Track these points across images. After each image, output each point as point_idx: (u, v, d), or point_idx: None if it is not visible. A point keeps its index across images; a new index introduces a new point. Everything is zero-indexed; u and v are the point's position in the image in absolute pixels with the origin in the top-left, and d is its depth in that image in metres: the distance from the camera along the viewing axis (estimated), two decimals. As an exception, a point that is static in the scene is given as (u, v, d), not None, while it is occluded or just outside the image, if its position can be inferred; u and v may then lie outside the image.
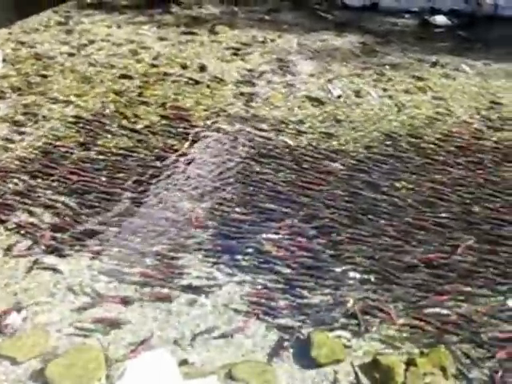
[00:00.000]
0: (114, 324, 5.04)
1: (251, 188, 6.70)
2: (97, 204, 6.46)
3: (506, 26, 12.12)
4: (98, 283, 5.47)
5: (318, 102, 8.67)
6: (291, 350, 4.88)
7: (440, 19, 12.27)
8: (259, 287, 5.44)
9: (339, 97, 8.82)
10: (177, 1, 12.60)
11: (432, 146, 7.65)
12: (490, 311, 5.27)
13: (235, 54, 10.11)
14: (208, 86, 8.95)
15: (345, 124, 8.12)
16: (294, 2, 12.86)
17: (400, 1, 12.73)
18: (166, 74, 9.35)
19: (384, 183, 6.88)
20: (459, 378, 4.67)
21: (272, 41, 10.73)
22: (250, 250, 5.84)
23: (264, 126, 7.94)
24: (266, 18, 12.02)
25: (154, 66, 9.63)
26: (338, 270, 5.65)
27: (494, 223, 6.30)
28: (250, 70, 9.51)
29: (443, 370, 4.67)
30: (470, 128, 8.11)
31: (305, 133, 7.84)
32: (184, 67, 9.57)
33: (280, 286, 5.46)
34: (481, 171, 7.15)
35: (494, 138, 7.89)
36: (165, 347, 4.80)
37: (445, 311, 5.27)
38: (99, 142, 7.55)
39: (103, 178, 6.87)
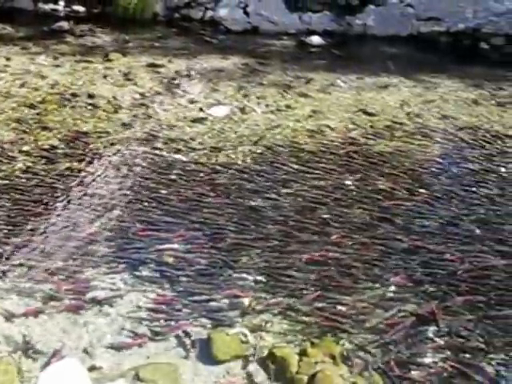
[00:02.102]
0: (25, 337, 4.97)
1: (148, 204, 6.71)
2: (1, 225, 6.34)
3: (374, 43, 12.61)
4: (7, 301, 5.37)
5: (206, 120, 8.77)
6: (194, 350, 4.94)
7: (315, 39, 12.59)
8: (161, 295, 5.48)
9: (226, 115, 8.94)
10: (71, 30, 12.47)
11: (311, 155, 7.88)
12: (373, 301, 5.51)
13: (128, 79, 10.09)
14: (104, 110, 8.90)
15: (232, 139, 8.25)
16: (181, 29, 12.93)
17: (278, 24, 13.00)
18: (63, 100, 9.22)
19: (269, 191, 7.04)
20: (348, 364, 4.84)
21: (162, 66, 10.74)
22: (150, 261, 5.86)
23: (158, 145, 7.98)
24: (156, 44, 12.02)
25: (51, 93, 9.48)
26: (232, 273, 5.75)
27: (369, 223, 6.57)
28: (142, 94, 9.52)
29: (333, 357, 4.83)
30: (345, 137, 8.41)
31: (196, 149, 7.93)
32: (81, 93, 9.47)
33: (180, 292, 5.51)
34: (356, 176, 7.43)
35: (367, 146, 8.21)
36: (75, 356, 4.77)
37: (332, 304, 5.45)
38: (3, 168, 7.40)
39: (6, 200, 6.74)
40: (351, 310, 5.39)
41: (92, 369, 4.69)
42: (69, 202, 6.74)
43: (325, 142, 8.28)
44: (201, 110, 9.11)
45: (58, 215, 6.51)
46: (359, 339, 5.10)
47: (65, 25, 12.60)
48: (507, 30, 12.53)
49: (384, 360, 4.91)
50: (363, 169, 7.62)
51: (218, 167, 7.51)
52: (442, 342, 5.12)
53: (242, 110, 9.11)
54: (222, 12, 13.10)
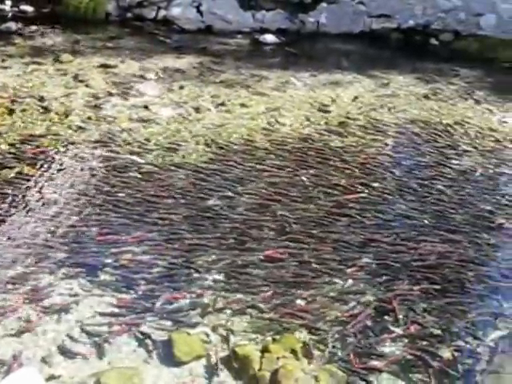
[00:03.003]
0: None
1: (104, 207, 6.64)
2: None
3: (327, 41, 12.71)
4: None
5: (162, 120, 8.73)
6: (156, 352, 4.92)
7: (269, 38, 12.65)
8: (121, 298, 5.44)
9: (180, 114, 8.93)
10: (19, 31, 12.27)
11: (266, 153, 7.93)
12: (331, 295, 5.57)
13: (80, 81, 9.95)
14: (56, 113, 8.75)
15: (188, 139, 8.23)
16: (134, 29, 12.83)
17: (232, 23, 13.00)
18: (14, 103, 9.07)
19: (225, 190, 7.04)
20: (309, 358, 4.89)
21: (115, 66, 10.63)
22: (107, 265, 5.81)
23: (113, 147, 7.90)
24: (109, 44, 11.87)
25: (1, 97, 9.32)
26: (191, 273, 5.74)
27: (325, 218, 6.63)
28: (95, 95, 9.42)
29: (294, 352, 4.87)
30: (300, 134, 8.48)
31: (151, 150, 7.88)
32: (31, 96, 9.31)
33: (139, 295, 5.48)
34: (311, 172, 7.49)
35: (322, 142, 8.29)
36: (33, 365, 4.69)
37: (291, 299, 5.49)
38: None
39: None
40: (310, 304, 5.45)
41: (51, 378, 4.61)
42: (21, 207, 6.62)
43: (279, 139, 8.32)
44: (155, 110, 9.05)
45: (11, 221, 6.40)
46: (319, 333, 5.15)
47: (12, 25, 12.31)
48: (455, 26, 12.76)
49: (345, 352, 4.97)
50: (318, 165, 7.69)
51: (174, 167, 7.47)
52: (400, 331, 5.20)
53: (197, 110, 9.09)
54: (176, 11, 13.03)
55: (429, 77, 10.98)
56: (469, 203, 7.05)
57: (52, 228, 6.30)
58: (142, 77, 10.30)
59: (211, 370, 4.78)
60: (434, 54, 12.30)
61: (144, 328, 5.13)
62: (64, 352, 4.88)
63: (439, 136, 8.68)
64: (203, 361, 4.87)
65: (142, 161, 7.63)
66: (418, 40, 12.94)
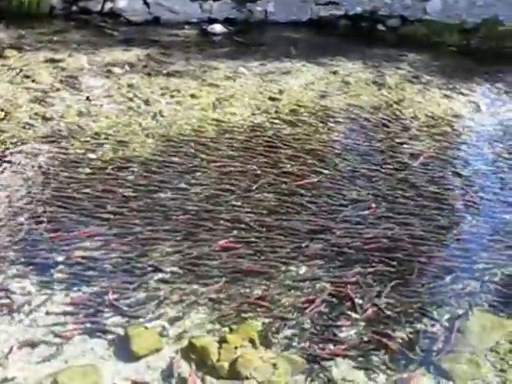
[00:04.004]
0: None
1: (55, 203, 6.54)
2: None
3: (275, 29, 12.74)
4: None
5: (112, 114, 8.65)
6: (113, 348, 4.88)
7: (217, 28, 12.60)
8: (75, 295, 5.37)
9: (130, 107, 8.86)
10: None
11: (218, 143, 7.91)
12: (287, 282, 5.59)
13: (26, 76, 9.77)
14: (2, 110, 8.58)
15: (139, 132, 8.17)
16: (80, 22, 12.66)
17: (179, 13, 12.93)
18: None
19: (177, 182, 7.02)
20: (268, 346, 4.89)
21: (62, 61, 10.47)
22: (60, 262, 5.73)
23: (63, 143, 7.80)
24: (54, 38, 11.65)
25: None
26: (146, 267, 5.70)
27: (278, 206, 6.66)
28: (42, 91, 9.26)
29: (252, 341, 4.87)
30: (251, 123, 8.50)
31: (102, 144, 7.80)
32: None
33: (93, 291, 5.42)
34: (262, 161, 7.50)
35: (273, 131, 8.32)
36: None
37: (248, 289, 5.50)
38: None
39: None
40: (266, 292, 5.45)
41: (4, 381, 4.52)
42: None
43: (231, 129, 8.31)
44: (103, 104, 8.96)
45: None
46: (276, 321, 5.15)
47: (-48, 22, 12.07)
48: (401, 11, 12.88)
49: (302, 338, 4.99)
50: (269, 153, 7.69)
51: (125, 161, 7.41)
52: (356, 315, 5.24)
53: (146, 102, 9.02)
54: (122, 3, 12.89)
55: (377, 63, 11.07)
56: (420, 186, 7.13)
57: (2, 227, 6.18)
58: (89, 70, 10.18)
59: (169, 363, 4.75)
60: (382, 40, 12.42)
61: (100, 325, 5.08)
62: (17, 353, 4.78)
63: (389, 121, 8.77)
64: (161, 354, 4.83)
65: (93, 156, 7.55)
66: (366, 26, 13.03)
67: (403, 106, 9.32)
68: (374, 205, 6.72)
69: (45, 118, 8.46)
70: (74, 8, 12.99)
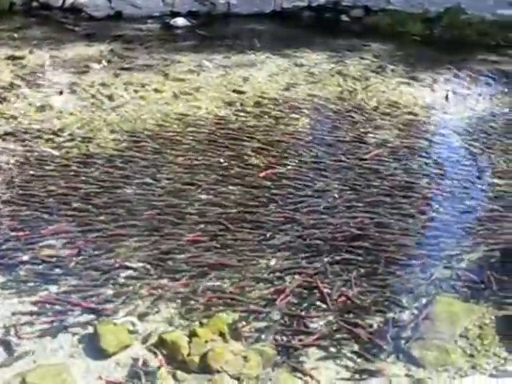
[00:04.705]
0: None
1: (22, 202, 6.45)
2: None
3: (239, 22, 12.72)
4: None
5: (75, 110, 8.58)
6: (82, 346, 4.83)
7: (180, 21, 12.56)
8: (42, 294, 5.31)
9: (93, 103, 8.77)
10: None
11: (183, 137, 7.88)
12: (256, 275, 5.58)
13: (-14, 74, 9.68)
14: (-39, 108, 8.51)
15: (103, 128, 8.10)
16: (41, 18, 12.53)
17: (141, 8, 12.85)
18: None
19: (143, 177, 6.98)
20: (238, 339, 4.88)
21: (23, 57, 10.34)
22: (26, 261, 5.67)
23: (25, 140, 7.71)
24: (15, 35, 11.53)
25: None
26: (113, 263, 5.65)
27: (244, 198, 6.65)
28: (3, 88, 9.14)
29: (222, 335, 4.85)
30: (215, 116, 8.49)
31: (66, 141, 7.73)
32: None
33: (61, 289, 5.37)
34: (228, 154, 7.50)
35: (238, 123, 8.32)
36: None
37: (217, 282, 5.49)
38: None
39: None
40: (236, 285, 5.45)
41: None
42: None
43: (195, 123, 8.29)
44: (67, 100, 8.88)
45: None
46: (246, 313, 5.15)
47: None
48: (365, 1, 12.96)
49: (273, 330, 4.98)
50: (235, 146, 7.69)
51: (89, 157, 7.36)
52: (326, 306, 5.24)
53: (110, 98, 8.96)
54: (83, -2, 12.79)
55: (341, 53, 11.12)
56: (386, 175, 7.17)
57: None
58: (51, 67, 10.08)
59: (139, 360, 4.71)
60: (346, 31, 12.48)
61: (68, 323, 5.03)
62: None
63: (354, 111, 8.81)
64: (131, 350, 4.80)
65: (56, 153, 7.47)
66: (330, 17, 13.08)
67: (368, 96, 9.37)
68: (337, 195, 6.75)
69: (7, 116, 8.35)
70: (35, 4, 12.87)
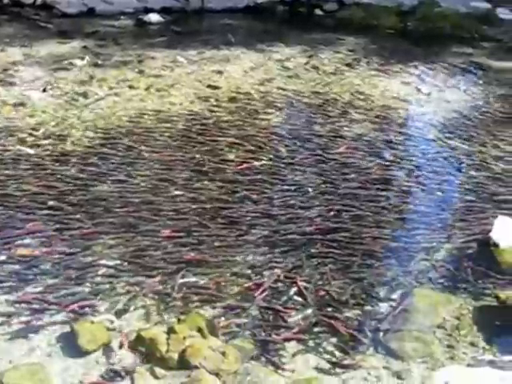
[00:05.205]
0: None
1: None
2: None
3: (213, 17, 12.73)
4: None
5: (49, 108, 8.51)
6: (60, 345, 4.79)
7: (154, 17, 12.54)
8: (19, 294, 5.23)
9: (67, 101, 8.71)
10: None
11: (158, 134, 7.85)
12: (234, 270, 5.57)
13: (-43, 73, 9.57)
14: None
15: (77, 125, 8.04)
16: (12, 15, 12.43)
17: (114, 4, 12.80)
18: None
19: (118, 174, 6.93)
20: (216, 335, 4.85)
21: (-6, 55, 10.27)
22: (2, 261, 5.60)
23: (1, 139, 7.61)
24: (-14, 33, 11.45)
25: None
26: (90, 262, 5.61)
27: (220, 194, 6.63)
28: (-25, 86, 9.08)
29: (200, 331, 4.82)
30: (190, 112, 8.46)
31: (40, 139, 7.65)
32: None
33: (38, 288, 5.30)
34: (204, 150, 7.47)
35: (214, 119, 8.30)
36: None
37: (194, 278, 5.46)
38: None
39: None
40: (213, 281, 5.43)
41: None
42: None
43: (170, 118, 8.26)
44: (40, 98, 8.80)
45: None
46: (224, 309, 5.14)
47: None
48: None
49: (251, 325, 4.98)
50: (210, 141, 7.67)
51: (64, 155, 7.29)
52: (304, 299, 5.25)
53: (84, 95, 8.90)
54: (56, -5, 12.71)
55: (316, 47, 11.16)
56: (361, 168, 7.20)
57: None
58: (24, 64, 9.98)
59: (118, 357, 4.69)
60: (320, 25, 12.54)
61: (45, 322, 4.97)
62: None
63: (329, 105, 8.84)
64: (109, 348, 4.75)
65: (31, 151, 7.40)
66: (303, 11, 13.11)
67: (342, 90, 9.39)
68: (312, 189, 6.75)
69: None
70: (6, 1, 12.77)
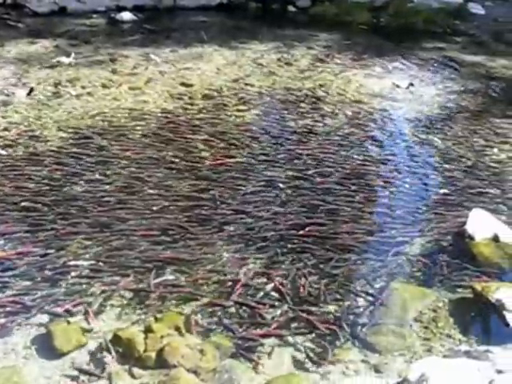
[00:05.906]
0: None
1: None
2: None
3: (186, 15, 12.68)
4: None
5: (21, 108, 8.43)
6: (35, 348, 4.74)
7: (126, 16, 12.49)
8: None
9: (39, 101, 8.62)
10: None
11: (131, 132, 7.80)
12: (209, 268, 5.55)
13: None
14: None
15: (50, 125, 7.98)
16: (-19, 15, 12.32)
17: (86, 2, 12.72)
18: None
19: (91, 174, 6.88)
20: (194, 332, 4.84)
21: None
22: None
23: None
24: (-47, 33, 11.32)
25: None
26: (65, 262, 5.55)
27: (194, 192, 6.60)
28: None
29: (177, 329, 4.83)
30: (164, 110, 8.44)
31: (12, 140, 7.57)
32: None
33: (12, 290, 5.24)
34: (177, 147, 7.44)
35: (187, 117, 8.27)
36: None
37: (170, 277, 5.43)
38: None
39: None
40: (189, 279, 5.40)
41: None
42: None
43: (144, 117, 8.23)
44: (12, 98, 8.72)
45: None
46: (201, 307, 5.13)
47: None
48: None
49: (228, 322, 4.96)
50: (183, 140, 7.64)
51: (37, 156, 7.22)
52: (281, 295, 5.24)
53: (57, 95, 8.84)
54: (26, -6, 12.60)
55: (289, 44, 11.18)
56: (336, 164, 7.21)
57: None
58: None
59: (95, 357, 4.66)
60: (293, 21, 12.56)
61: (19, 325, 4.92)
62: None
63: (303, 102, 8.84)
64: (85, 349, 4.73)
65: (3, 152, 7.32)
66: (276, 8, 13.14)
67: (316, 86, 9.41)
68: (287, 185, 6.75)
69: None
70: (-25, 0, 12.61)
